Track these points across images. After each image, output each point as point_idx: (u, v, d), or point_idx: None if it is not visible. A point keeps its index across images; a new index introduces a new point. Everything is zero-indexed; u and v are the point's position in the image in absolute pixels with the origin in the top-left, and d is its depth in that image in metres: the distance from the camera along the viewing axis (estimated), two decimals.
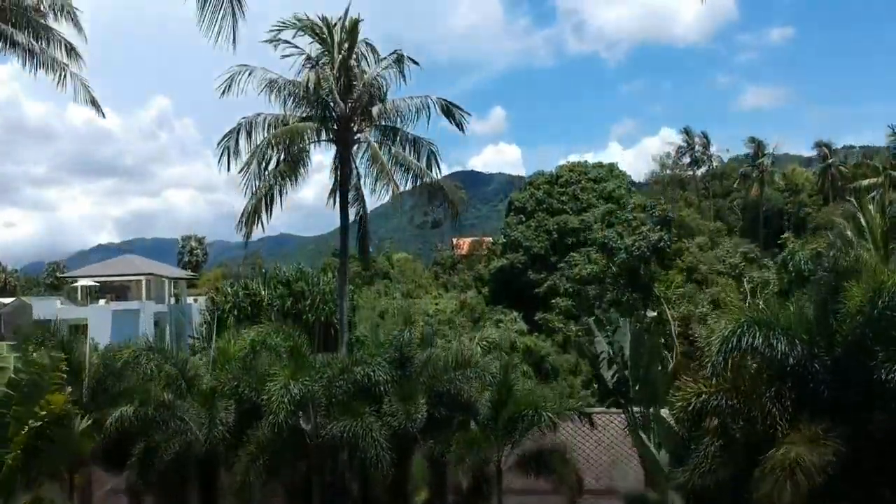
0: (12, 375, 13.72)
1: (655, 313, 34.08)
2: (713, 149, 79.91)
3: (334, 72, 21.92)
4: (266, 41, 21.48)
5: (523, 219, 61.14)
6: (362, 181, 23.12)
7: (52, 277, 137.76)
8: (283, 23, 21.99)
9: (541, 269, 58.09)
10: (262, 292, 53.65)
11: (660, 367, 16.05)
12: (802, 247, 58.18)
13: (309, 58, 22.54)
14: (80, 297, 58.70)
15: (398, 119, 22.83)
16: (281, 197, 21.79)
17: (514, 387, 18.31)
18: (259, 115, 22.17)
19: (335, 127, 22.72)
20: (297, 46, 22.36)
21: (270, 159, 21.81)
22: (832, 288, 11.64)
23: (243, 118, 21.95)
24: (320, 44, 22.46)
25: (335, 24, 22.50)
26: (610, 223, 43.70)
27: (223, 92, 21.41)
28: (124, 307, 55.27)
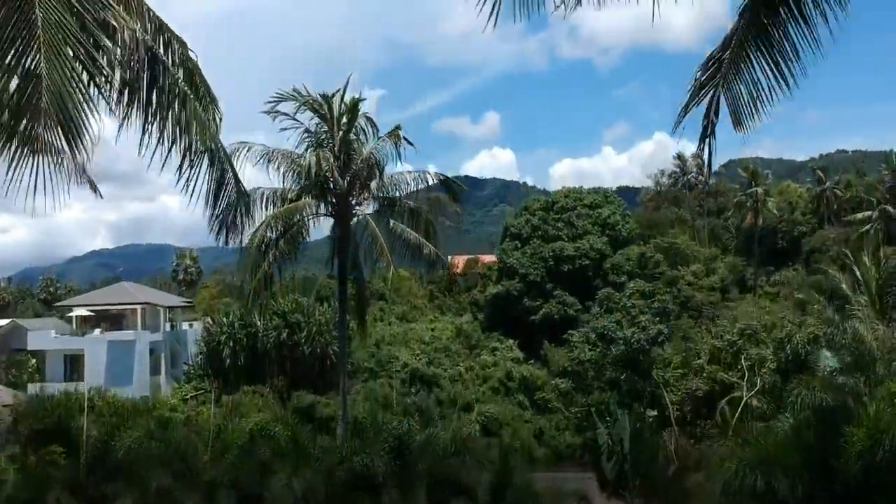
0: (10, 492, 13.69)
1: (655, 412, 34.20)
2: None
3: (335, 149, 22.02)
4: (265, 112, 21.54)
5: (519, 245, 61.19)
6: (360, 253, 23.24)
7: (46, 292, 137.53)
8: (282, 94, 22.05)
9: (536, 297, 58.16)
10: (258, 323, 53.65)
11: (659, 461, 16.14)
12: (800, 285, 58.35)
13: (308, 131, 22.65)
14: (75, 326, 58.59)
15: (396, 191, 22.95)
16: (280, 273, 21.87)
17: (513, 471, 18.35)
18: (257, 189, 22.22)
19: (334, 200, 22.81)
20: (295, 119, 22.45)
21: (269, 240, 21.87)
22: (833, 426, 11.68)
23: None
24: (320, 119, 22.56)
25: (333, 95, 22.60)
26: (609, 308, 43.81)
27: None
28: (120, 338, 55.19)
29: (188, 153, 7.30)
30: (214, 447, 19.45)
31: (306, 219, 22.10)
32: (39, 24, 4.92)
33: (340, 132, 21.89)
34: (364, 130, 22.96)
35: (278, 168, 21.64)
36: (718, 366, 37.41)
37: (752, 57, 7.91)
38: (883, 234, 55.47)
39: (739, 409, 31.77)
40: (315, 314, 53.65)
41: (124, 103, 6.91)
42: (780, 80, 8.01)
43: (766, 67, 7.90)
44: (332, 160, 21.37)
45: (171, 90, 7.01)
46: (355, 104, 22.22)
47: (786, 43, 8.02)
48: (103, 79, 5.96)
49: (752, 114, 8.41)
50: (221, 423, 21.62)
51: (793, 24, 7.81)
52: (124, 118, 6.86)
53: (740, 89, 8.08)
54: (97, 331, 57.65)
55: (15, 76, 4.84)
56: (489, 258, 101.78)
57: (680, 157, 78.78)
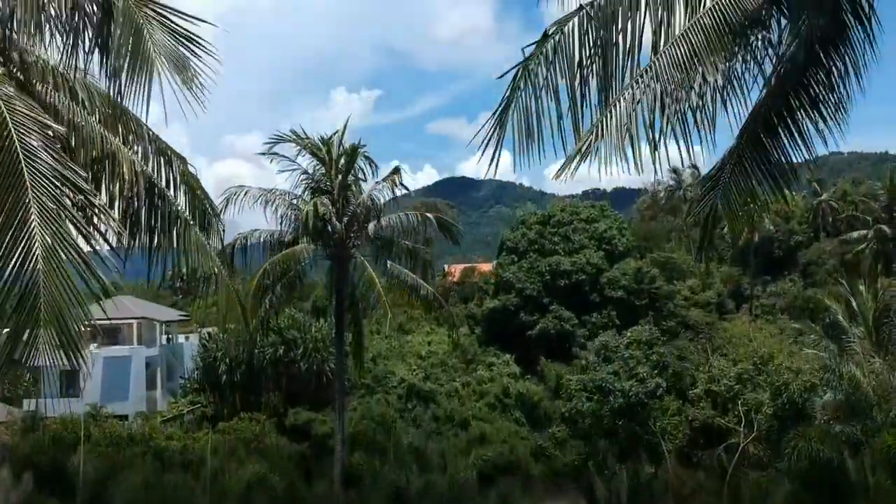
0: None
1: (654, 469, 34.28)
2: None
3: (333, 193, 22.09)
4: (262, 153, 21.62)
5: (515, 259, 61.23)
6: (357, 291, 23.28)
7: None
8: (280, 136, 22.12)
9: (533, 311, 58.21)
10: (254, 334, 53.43)
11: None
12: (796, 297, 58.38)
13: (306, 172, 22.71)
14: None
15: (393, 233, 22.99)
16: (277, 318, 21.92)
17: None
18: (254, 231, 22.27)
19: (331, 243, 22.87)
20: (292, 160, 22.52)
21: (267, 287, 21.92)
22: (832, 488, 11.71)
23: (239, 234, 22.10)
24: (319, 161, 22.63)
25: (332, 137, 22.66)
26: (607, 358, 43.88)
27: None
28: (116, 353, 55.06)
29: (191, 275, 7.36)
30: (212, 494, 19.47)
31: (304, 264, 22.16)
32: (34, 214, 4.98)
33: (339, 176, 21.98)
34: (363, 170, 23.11)
35: (276, 210, 21.74)
36: (715, 410, 37.59)
37: (750, 172, 8.00)
38: (879, 253, 55.59)
39: (736, 456, 31.91)
40: (311, 330, 53.56)
41: (126, 233, 6.96)
42: (776, 192, 8.13)
43: (764, 181, 8.00)
44: (330, 206, 21.45)
45: (171, 218, 7.06)
46: (354, 149, 22.31)
47: (783, 160, 8.14)
48: (100, 237, 6.03)
49: (747, 220, 8.54)
50: (219, 466, 21.65)
51: (792, 145, 7.93)
52: (127, 249, 6.92)
53: (737, 199, 8.17)
54: (93, 346, 57.45)
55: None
56: (486, 266, 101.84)
57: (675, 171, 78.78)
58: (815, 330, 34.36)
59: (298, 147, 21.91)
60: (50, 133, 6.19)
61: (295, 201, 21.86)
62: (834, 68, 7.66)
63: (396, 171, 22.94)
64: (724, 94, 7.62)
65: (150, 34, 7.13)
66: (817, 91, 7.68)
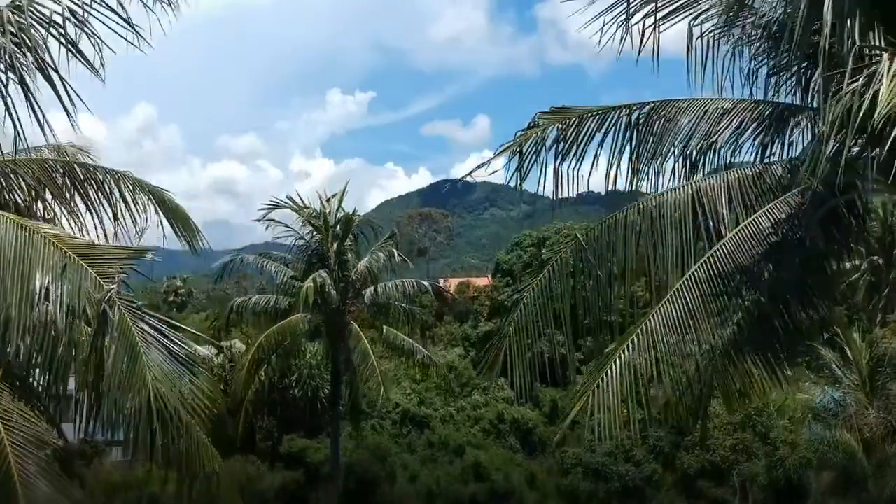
0: None
1: None
2: None
3: (330, 262, 22.17)
4: (257, 220, 21.70)
5: (510, 281, 61.34)
6: (353, 357, 23.32)
7: None
8: (276, 202, 22.19)
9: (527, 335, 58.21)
10: (246, 306, 53.21)
11: None
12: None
13: (301, 237, 22.77)
14: None
15: (389, 300, 23.06)
16: (275, 389, 21.96)
17: None
18: (250, 298, 22.30)
19: (327, 312, 22.93)
20: (288, 226, 22.59)
21: (262, 360, 21.96)
22: None
23: (236, 299, 22.13)
24: (315, 230, 22.71)
25: (330, 199, 22.72)
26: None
27: (217, 280, 21.64)
28: None
29: None
30: None
31: (300, 334, 22.24)
32: None
33: (335, 244, 22.09)
34: (363, 233, 23.15)
35: (273, 276, 21.76)
36: (709, 481, 37.60)
37: (747, 358, 8.10)
38: (873, 286, 55.37)
39: None
40: (306, 355, 53.41)
41: None
42: (775, 377, 8.20)
43: (762, 368, 8.07)
44: (327, 278, 21.53)
45: None
46: (349, 219, 22.41)
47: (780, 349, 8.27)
48: None
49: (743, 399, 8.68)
50: None
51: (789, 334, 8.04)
52: None
53: (734, 380, 8.24)
54: None
55: None
56: (480, 281, 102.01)
57: None
58: (809, 377, 34.44)
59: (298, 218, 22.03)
60: None
61: (290, 276, 21.90)
62: None
63: (392, 236, 23.01)
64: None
65: None
66: None
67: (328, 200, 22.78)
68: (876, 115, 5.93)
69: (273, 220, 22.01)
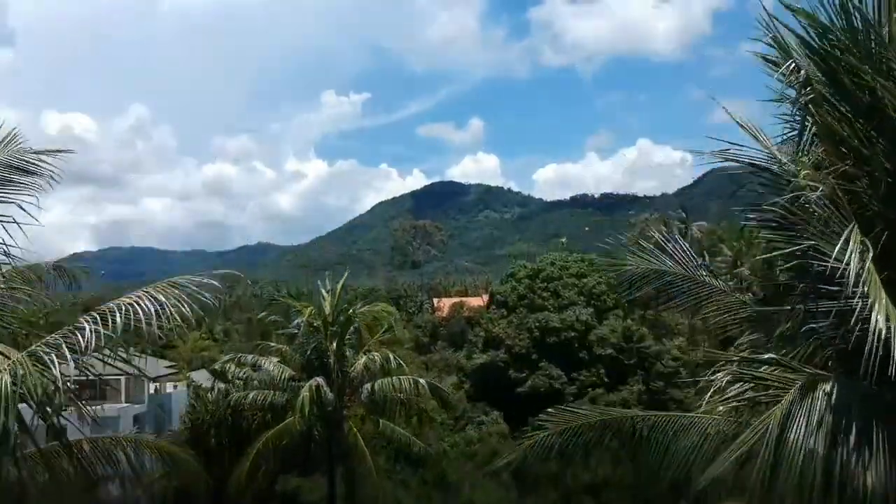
0: None
1: None
2: (694, 228, 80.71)
3: (328, 362, 22.17)
4: (259, 317, 21.62)
5: (505, 313, 61.35)
6: (348, 451, 23.32)
7: None
8: (276, 298, 22.14)
9: (522, 368, 58.34)
10: (244, 401, 53.29)
11: None
12: None
13: (299, 330, 22.75)
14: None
15: (386, 396, 23.04)
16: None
17: None
18: (247, 395, 22.24)
19: (323, 411, 22.94)
20: (288, 325, 22.57)
21: (259, 466, 21.91)
22: None
23: (233, 393, 22.05)
24: (313, 329, 22.74)
25: (328, 291, 22.71)
26: None
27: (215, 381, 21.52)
28: (104, 415, 54.66)
29: None
30: None
31: (297, 436, 22.25)
32: None
33: (334, 343, 22.17)
34: (358, 330, 23.23)
35: (269, 373, 21.75)
36: None
37: None
38: None
39: None
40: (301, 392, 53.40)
41: None
42: None
43: None
44: (324, 384, 21.59)
45: None
46: (349, 319, 22.47)
47: None
48: None
49: None
50: None
51: None
52: None
53: None
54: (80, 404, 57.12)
55: None
56: (475, 301, 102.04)
57: (665, 223, 79.06)
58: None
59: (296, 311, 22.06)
60: None
61: (289, 375, 21.93)
62: None
63: (389, 329, 23.06)
64: None
65: None
66: None
67: (327, 291, 22.80)
68: None
69: (275, 319, 22.04)
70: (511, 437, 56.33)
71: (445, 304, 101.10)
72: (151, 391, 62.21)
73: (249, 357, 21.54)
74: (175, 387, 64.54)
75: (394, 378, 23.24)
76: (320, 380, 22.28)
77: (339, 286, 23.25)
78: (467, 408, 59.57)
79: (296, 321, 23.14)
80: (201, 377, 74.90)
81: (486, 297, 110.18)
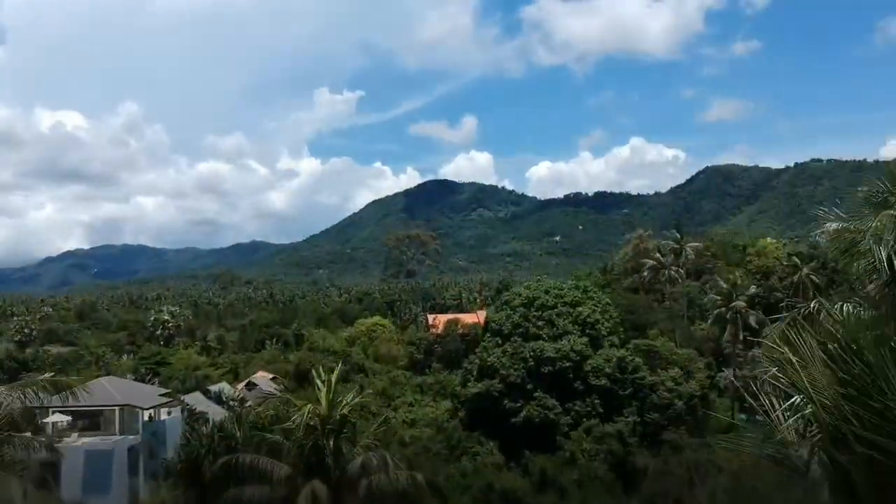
0: None
1: None
2: (687, 249, 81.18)
3: (326, 459, 22.19)
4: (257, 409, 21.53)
5: (500, 342, 61.34)
6: None
7: (21, 334, 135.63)
8: (273, 393, 22.05)
9: (517, 398, 58.37)
10: (238, 435, 53.35)
11: None
12: None
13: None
14: (50, 431, 57.84)
15: (383, 494, 23.10)
16: None
17: None
18: (243, 489, 22.20)
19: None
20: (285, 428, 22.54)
21: None
22: None
23: (230, 491, 22.06)
24: (312, 429, 22.77)
25: (326, 380, 22.71)
26: None
27: None
28: (98, 447, 54.61)
29: None
30: None
31: None
32: None
33: (332, 440, 22.18)
34: (354, 425, 23.24)
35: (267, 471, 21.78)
36: None
37: None
38: None
39: None
40: (297, 431, 53.34)
41: None
42: None
43: None
44: (319, 486, 21.58)
45: None
46: (345, 418, 22.47)
47: None
48: None
49: None
50: None
51: None
52: None
53: None
54: (74, 434, 56.99)
55: None
56: (469, 318, 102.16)
57: (660, 250, 79.40)
58: None
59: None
60: None
61: (286, 472, 21.89)
62: None
63: (386, 420, 23.04)
64: None
65: None
66: None
67: (324, 380, 22.89)
68: None
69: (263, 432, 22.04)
70: (507, 468, 56.54)
71: (440, 320, 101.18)
72: (146, 418, 61.95)
73: (248, 457, 21.45)
74: (169, 413, 64.33)
75: (391, 473, 23.26)
76: (317, 482, 22.29)
77: (333, 377, 23.28)
78: (462, 437, 59.65)
79: (294, 417, 23.18)
80: (195, 400, 75.10)
81: (479, 314, 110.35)
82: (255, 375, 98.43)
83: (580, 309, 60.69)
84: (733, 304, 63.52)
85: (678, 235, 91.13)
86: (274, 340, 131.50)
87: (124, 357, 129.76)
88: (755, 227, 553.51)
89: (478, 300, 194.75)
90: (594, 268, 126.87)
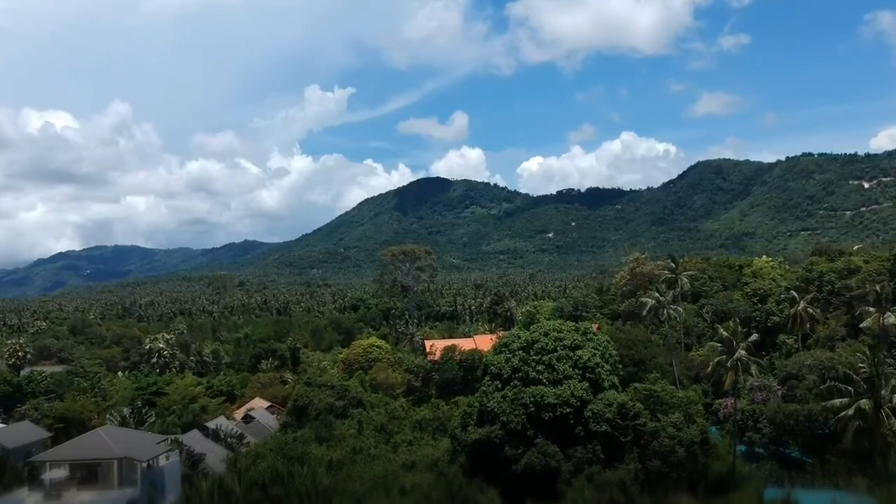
0: None
1: None
2: (683, 279, 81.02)
3: None
4: None
5: (499, 386, 61.06)
6: None
7: (15, 357, 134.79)
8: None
9: (518, 445, 58.13)
10: (237, 491, 53.03)
11: None
12: None
13: None
14: (48, 486, 57.43)
15: None
16: None
17: None
18: None
19: None
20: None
21: None
22: None
23: None
24: None
25: None
26: None
27: None
28: (97, 502, 54.28)
29: None
30: None
31: None
32: None
33: None
34: None
35: None
36: None
37: None
38: (863, 431, 55.79)
39: None
40: (295, 480, 53.09)
41: None
42: None
43: None
44: None
45: None
46: None
47: None
48: None
49: None
50: None
51: None
52: None
53: None
54: (73, 489, 56.59)
55: None
56: (467, 344, 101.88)
57: (658, 290, 79.12)
58: None
59: None
60: None
61: None
62: None
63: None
64: None
65: None
66: None
67: None
68: None
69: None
70: None
71: (438, 346, 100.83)
72: (144, 465, 61.56)
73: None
74: (167, 458, 63.93)
75: None
76: None
77: None
78: (463, 484, 59.36)
79: None
80: (193, 440, 74.63)
81: (477, 339, 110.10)
82: (251, 404, 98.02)
83: (580, 353, 60.40)
84: (735, 355, 63.19)
85: (674, 265, 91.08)
86: (269, 360, 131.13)
87: (119, 374, 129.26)
88: (747, 222, 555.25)
89: (472, 307, 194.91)
90: (590, 287, 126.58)
